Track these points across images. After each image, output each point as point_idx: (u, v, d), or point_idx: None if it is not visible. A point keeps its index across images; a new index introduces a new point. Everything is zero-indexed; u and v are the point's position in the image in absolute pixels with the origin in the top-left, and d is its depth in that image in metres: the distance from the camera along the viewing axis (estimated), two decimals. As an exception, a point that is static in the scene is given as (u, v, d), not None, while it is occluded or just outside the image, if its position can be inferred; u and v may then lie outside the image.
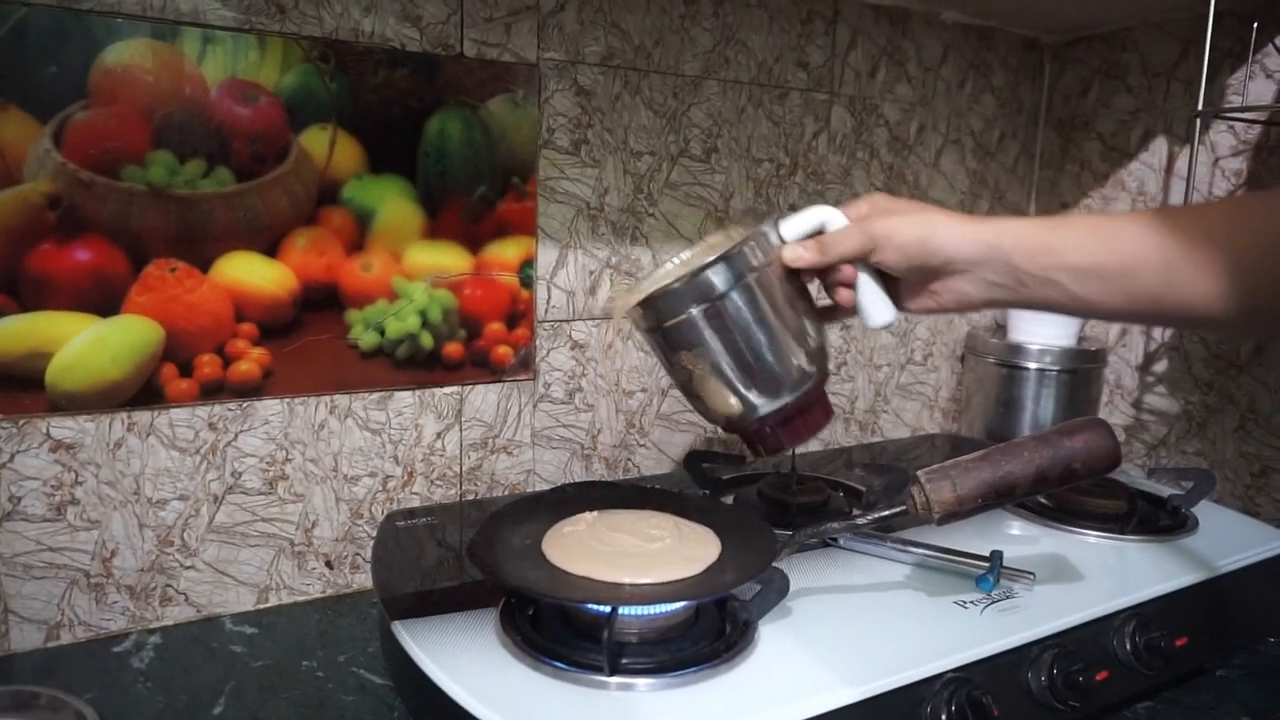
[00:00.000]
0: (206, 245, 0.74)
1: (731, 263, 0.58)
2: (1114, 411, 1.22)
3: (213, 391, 0.76)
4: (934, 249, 0.57)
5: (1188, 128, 1.09)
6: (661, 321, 0.59)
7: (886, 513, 0.60)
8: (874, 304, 0.62)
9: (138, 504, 0.74)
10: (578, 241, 0.91)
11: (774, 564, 0.60)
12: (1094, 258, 0.54)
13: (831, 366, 1.14)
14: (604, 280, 0.93)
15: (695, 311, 0.58)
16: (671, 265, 0.70)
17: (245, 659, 0.71)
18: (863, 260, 0.60)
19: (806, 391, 0.61)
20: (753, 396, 0.60)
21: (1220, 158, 1.08)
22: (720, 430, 1.05)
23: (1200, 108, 0.93)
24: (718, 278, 0.58)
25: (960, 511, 0.57)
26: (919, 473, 0.58)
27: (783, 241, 0.61)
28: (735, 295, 0.58)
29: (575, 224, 0.91)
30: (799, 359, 0.61)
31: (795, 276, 0.62)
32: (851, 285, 0.61)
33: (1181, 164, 1.12)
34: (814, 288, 0.65)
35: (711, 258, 0.58)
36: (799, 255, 0.60)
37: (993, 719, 0.57)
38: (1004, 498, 0.57)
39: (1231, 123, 1.06)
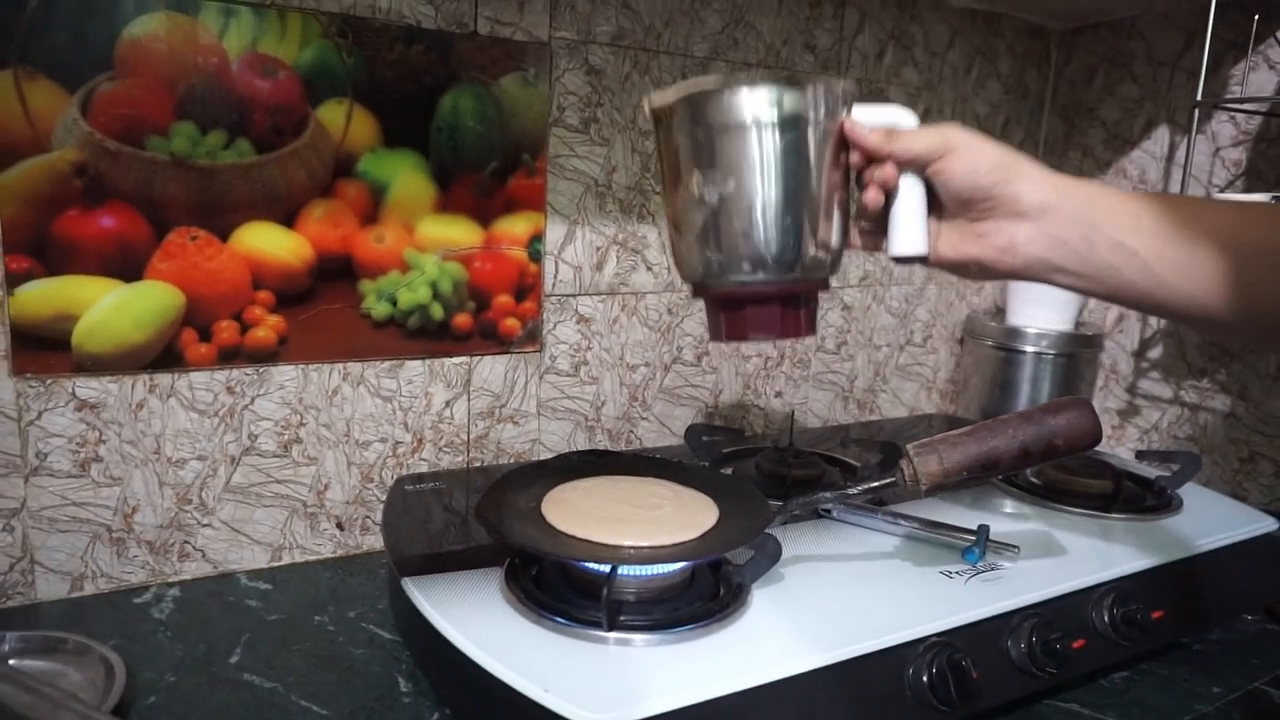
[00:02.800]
0: (226, 215, 0.76)
1: (797, 98, 0.51)
2: (1109, 396, 1.25)
3: (230, 356, 0.78)
4: (1008, 176, 0.51)
5: (1188, 117, 1.11)
6: (696, 124, 0.52)
7: (876, 484, 0.62)
8: (909, 226, 0.54)
9: (158, 463, 0.77)
10: (585, 218, 0.93)
11: (767, 531, 0.63)
12: (1183, 229, 0.48)
13: (831, 345, 1.17)
14: (610, 257, 0.96)
15: (740, 126, 0.51)
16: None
17: (260, 612, 0.75)
18: (922, 168, 0.53)
19: (806, 282, 0.55)
20: (753, 252, 0.53)
21: (1221, 148, 1.10)
22: (721, 408, 1.08)
23: (1200, 97, 0.94)
24: (776, 103, 0.51)
25: (946, 484, 0.59)
26: (908, 446, 0.61)
27: (848, 114, 0.54)
28: (787, 132, 0.51)
29: (583, 201, 0.93)
30: (816, 242, 0.54)
31: (842, 165, 0.55)
32: (888, 189, 0.54)
33: (1183, 153, 1.14)
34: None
35: (776, 82, 0.52)
36: (863, 133, 0.53)
37: (971, 681, 0.59)
38: (989, 471, 0.60)
39: (1233, 113, 1.08)
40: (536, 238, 0.91)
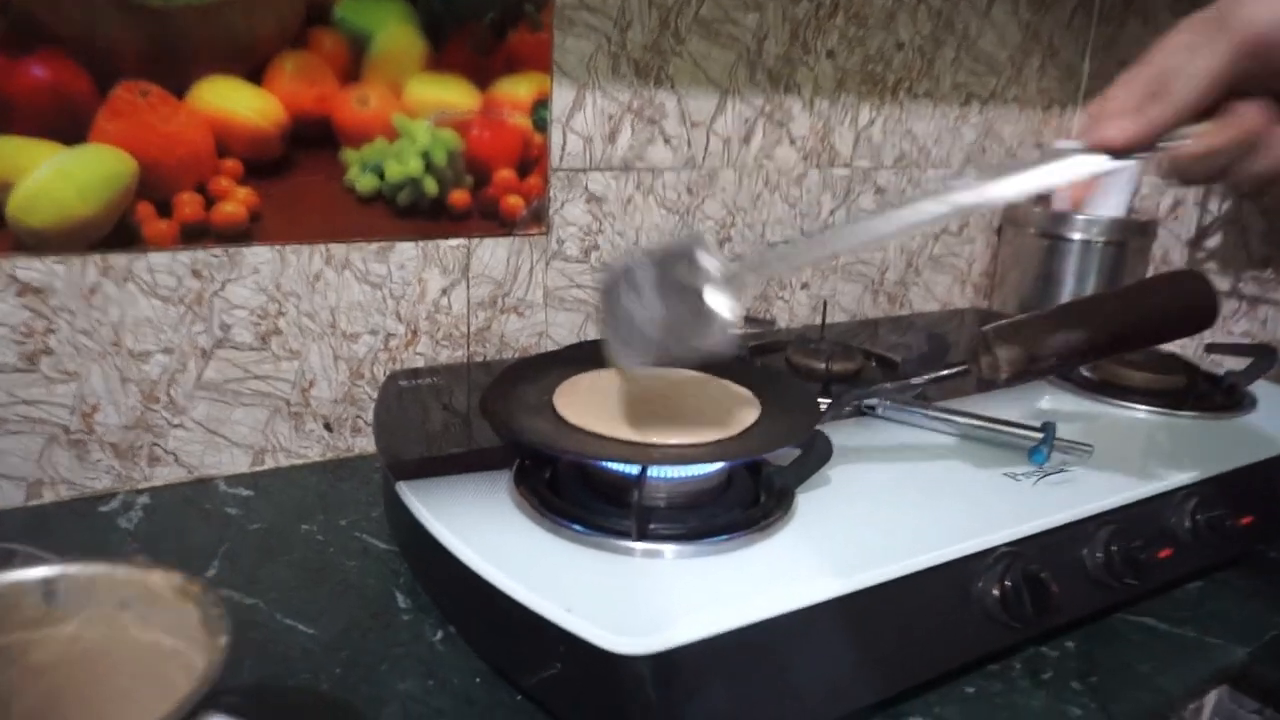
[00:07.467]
0: (182, 67, 0.65)
1: None
2: (1157, 289, 1.15)
3: (195, 235, 0.69)
4: None
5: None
6: None
7: (946, 373, 0.54)
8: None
9: (118, 356, 0.68)
10: (596, 81, 0.82)
11: (817, 428, 0.55)
12: None
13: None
14: (624, 127, 0.85)
15: None
16: None
17: (240, 521, 0.67)
18: None
19: None
20: None
21: (1305, 8, 0.98)
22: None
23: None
24: None
25: (1031, 372, 0.51)
26: (986, 329, 0.52)
27: None
28: None
29: (594, 61, 0.82)
30: None
31: None
32: None
33: (1260, 15, 1.02)
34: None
35: None
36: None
37: (1050, 595, 0.52)
38: (1081, 358, 0.51)
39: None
40: (541, 102, 0.80)
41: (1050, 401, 0.77)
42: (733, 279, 0.45)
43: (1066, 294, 1.11)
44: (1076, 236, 1.08)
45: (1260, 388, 0.81)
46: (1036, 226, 1.12)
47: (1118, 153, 0.39)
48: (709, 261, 0.45)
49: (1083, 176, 0.41)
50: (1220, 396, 0.79)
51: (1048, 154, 0.42)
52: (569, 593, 0.45)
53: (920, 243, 1.13)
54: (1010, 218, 1.16)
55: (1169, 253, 1.13)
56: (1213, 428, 0.73)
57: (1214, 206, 1.09)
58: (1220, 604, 0.64)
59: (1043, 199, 1.18)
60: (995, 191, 0.41)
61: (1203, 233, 1.10)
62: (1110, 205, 1.07)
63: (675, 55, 0.86)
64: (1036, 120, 1.19)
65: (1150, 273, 1.15)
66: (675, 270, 0.47)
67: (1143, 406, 0.76)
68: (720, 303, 0.44)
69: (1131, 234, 1.08)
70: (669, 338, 0.47)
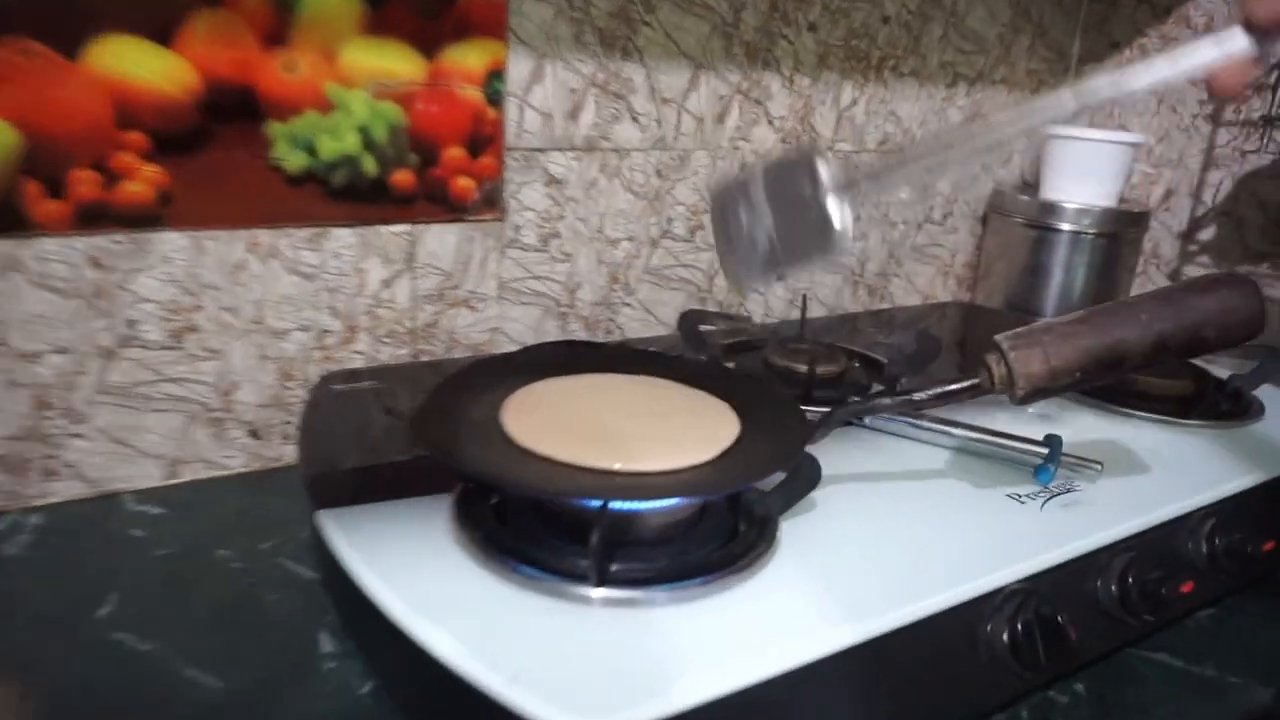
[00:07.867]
0: (73, 23, 0.56)
1: None
2: (1146, 284, 1.10)
3: (93, 218, 0.60)
4: None
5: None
6: None
7: (953, 387, 0.47)
8: None
9: (3, 357, 0.59)
10: (557, 50, 0.74)
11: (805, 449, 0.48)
12: None
13: (843, 222, 1.00)
14: (588, 102, 0.77)
15: None
16: None
17: (146, 545, 0.59)
18: None
19: None
20: None
21: (1311, -13, 0.92)
22: (716, 291, 0.92)
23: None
24: None
25: (1051, 388, 0.44)
26: (1000, 338, 0.45)
27: None
28: None
29: (555, 27, 0.74)
30: None
31: None
32: None
33: (1263, -6, 0.96)
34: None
35: None
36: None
37: (1068, 640, 0.46)
38: (1109, 371, 0.45)
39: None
40: (496, 74, 0.72)
41: (1046, 406, 0.71)
42: (850, 186, 0.46)
43: (1054, 287, 1.05)
44: (1065, 227, 1.02)
45: (1266, 393, 0.76)
46: (1024, 216, 1.06)
47: (1268, 32, 0.40)
48: (825, 170, 0.46)
49: (1225, 59, 0.40)
50: (1226, 403, 0.74)
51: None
52: (514, 655, 0.37)
53: (902, 232, 1.06)
54: (996, 206, 1.10)
55: (1160, 245, 1.08)
56: (1222, 438, 0.68)
57: (1208, 197, 1.04)
58: (1238, 634, 0.59)
59: (1028, 186, 1.12)
60: (1135, 82, 0.41)
61: (1196, 224, 1.05)
62: (1098, 194, 1.01)
63: (644, 24, 0.78)
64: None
65: (1141, 266, 1.10)
66: (790, 180, 0.47)
67: (1147, 414, 0.70)
68: (838, 210, 0.45)
69: (1123, 225, 1.02)
70: (784, 248, 0.48)
